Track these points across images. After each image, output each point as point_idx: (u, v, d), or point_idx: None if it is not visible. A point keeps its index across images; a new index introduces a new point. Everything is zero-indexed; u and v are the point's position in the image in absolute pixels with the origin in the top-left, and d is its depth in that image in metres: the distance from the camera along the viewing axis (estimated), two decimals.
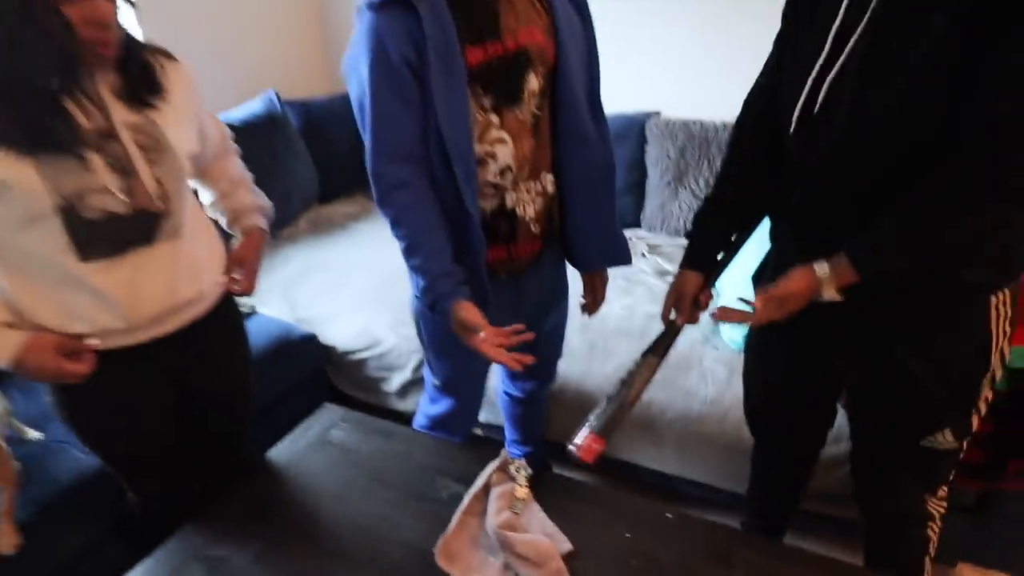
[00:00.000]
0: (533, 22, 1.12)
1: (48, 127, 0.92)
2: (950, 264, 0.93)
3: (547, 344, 1.50)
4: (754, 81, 1.13)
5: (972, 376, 1.03)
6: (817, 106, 0.94)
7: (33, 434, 1.48)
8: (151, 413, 1.19)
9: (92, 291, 1.01)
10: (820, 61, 0.93)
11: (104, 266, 1.01)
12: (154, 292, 1.07)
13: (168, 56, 1.11)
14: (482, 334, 1.07)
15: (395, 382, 1.98)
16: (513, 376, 1.59)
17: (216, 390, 1.29)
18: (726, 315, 1.07)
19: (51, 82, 0.92)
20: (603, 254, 1.34)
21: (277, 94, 2.51)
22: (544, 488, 1.21)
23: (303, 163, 2.54)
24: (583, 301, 1.43)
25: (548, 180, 1.24)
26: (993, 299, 0.97)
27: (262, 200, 1.35)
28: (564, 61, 1.15)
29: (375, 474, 1.28)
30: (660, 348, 1.14)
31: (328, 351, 2.05)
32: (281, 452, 1.35)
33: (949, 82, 0.82)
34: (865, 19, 0.88)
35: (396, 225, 1.13)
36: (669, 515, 1.17)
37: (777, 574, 0.99)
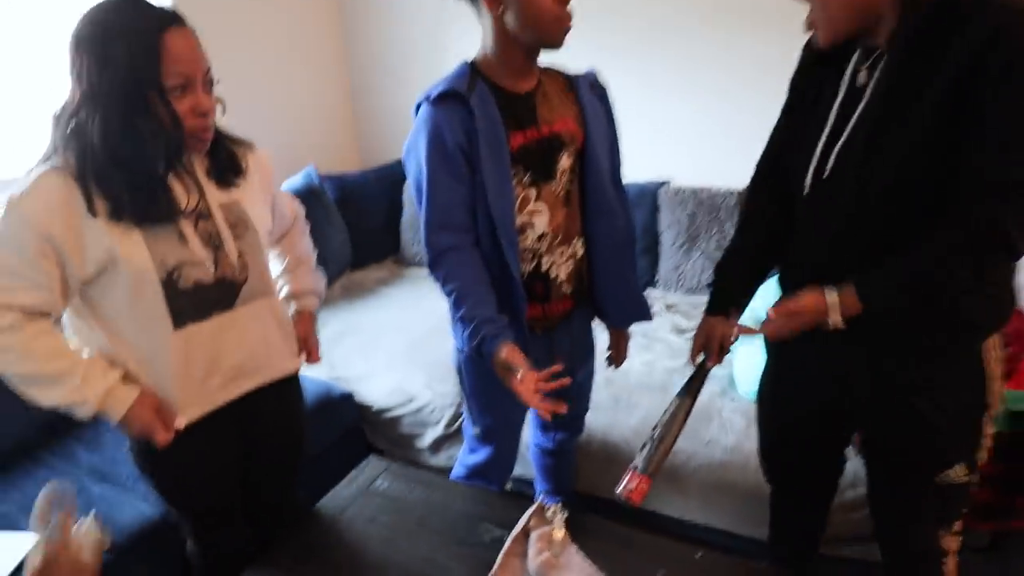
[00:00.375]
0: (565, 112, 1.30)
1: (156, 203, 1.05)
2: (946, 305, 1.02)
3: (577, 397, 1.61)
4: (764, 147, 1.27)
5: (975, 412, 1.11)
6: (827, 173, 1.06)
7: None
8: (222, 468, 1.28)
9: (180, 353, 1.12)
10: (826, 133, 1.06)
11: (192, 330, 1.12)
12: (235, 349, 1.19)
13: (247, 143, 1.27)
14: (520, 374, 1.15)
15: (428, 437, 2.07)
16: (544, 428, 1.68)
17: (276, 448, 1.38)
18: (743, 330, 1.18)
19: (160, 165, 1.04)
20: (627, 312, 1.47)
21: (316, 169, 2.72)
22: (580, 532, 1.28)
23: (338, 231, 2.72)
24: (609, 354, 1.55)
25: (578, 245, 1.38)
26: (989, 344, 1.07)
27: (319, 284, 1.46)
28: (591, 144, 1.32)
29: (420, 520, 1.36)
30: (692, 389, 1.23)
31: (364, 409, 2.15)
32: (330, 501, 1.43)
33: (942, 152, 0.94)
34: (864, 100, 1.01)
35: (445, 282, 1.26)
36: (698, 556, 1.25)
37: None
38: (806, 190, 1.11)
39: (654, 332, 2.23)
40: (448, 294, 1.26)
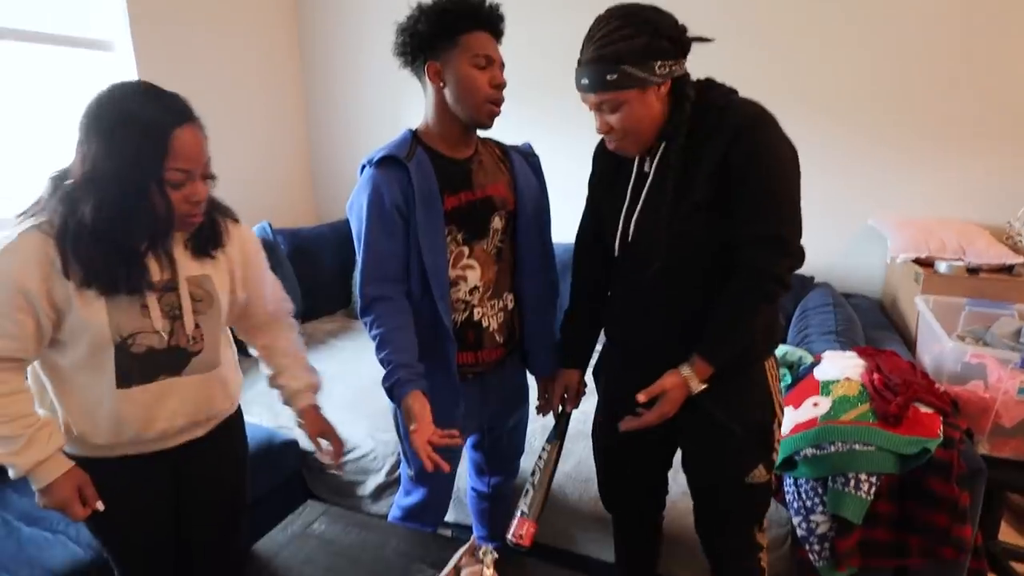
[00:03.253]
0: (498, 178, 1.45)
1: (128, 278, 1.09)
2: (755, 332, 1.26)
3: (510, 440, 1.70)
4: (580, 220, 1.49)
5: (766, 420, 1.33)
6: (630, 237, 1.30)
7: None
8: (152, 504, 1.30)
9: (118, 410, 1.16)
10: (625, 207, 1.30)
11: (135, 391, 1.16)
12: (175, 410, 1.22)
13: (232, 215, 1.31)
14: (413, 426, 1.27)
15: (370, 485, 2.11)
16: (479, 472, 1.76)
17: (214, 491, 1.39)
18: (627, 424, 1.32)
19: (142, 244, 1.10)
20: (550, 361, 1.58)
21: (270, 224, 2.81)
22: (511, 571, 1.36)
23: (290, 284, 2.77)
24: (539, 404, 1.65)
25: (508, 298, 1.50)
26: (767, 364, 1.34)
27: (315, 378, 1.47)
28: (521, 208, 1.46)
29: (355, 561, 1.41)
30: (559, 434, 1.46)
31: (306, 456, 2.19)
32: (266, 544, 1.47)
33: (713, 216, 1.19)
34: (649, 181, 1.26)
35: (372, 327, 1.35)
36: None
37: None
38: (616, 252, 1.34)
39: (589, 384, 2.33)
40: (373, 338, 1.35)
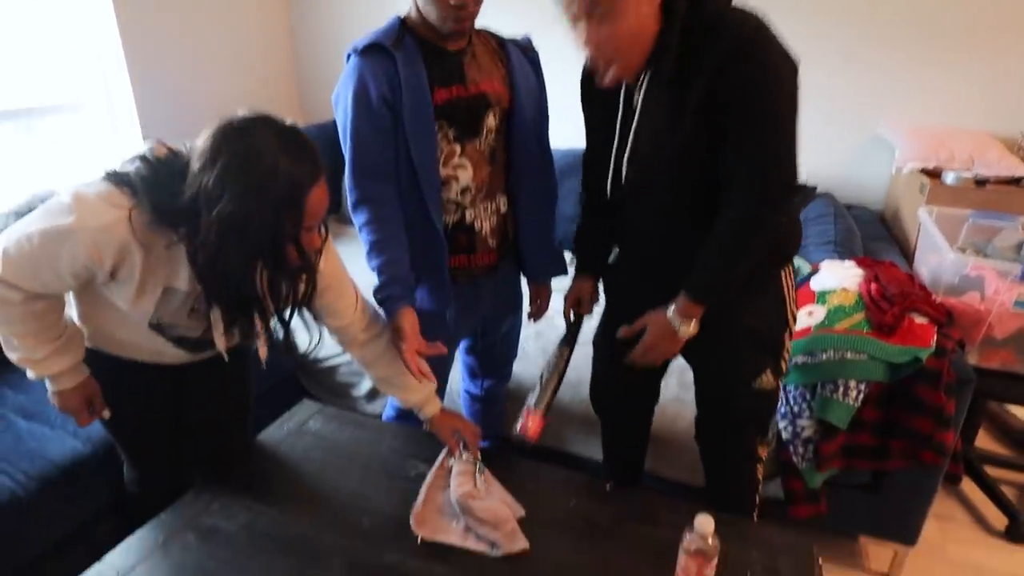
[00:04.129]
0: (493, 74, 1.36)
1: (236, 322, 1.10)
2: (752, 267, 1.19)
3: (503, 346, 1.70)
4: (583, 151, 1.40)
5: (779, 328, 1.31)
6: (623, 179, 1.24)
7: None
8: (159, 405, 1.34)
9: (135, 342, 1.19)
10: (615, 147, 1.24)
11: (157, 338, 1.17)
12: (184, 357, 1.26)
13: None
14: (404, 345, 1.28)
15: (364, 386, 2.14)
16: (472, 374, 1.77)
17: (219, 401, 1.42)
18: (627, 332, 1.30)
19: (263, 301, 1.06)
20: (545, 266, 1.55)
21: None
22: (501, 468, 1.39)
23: None
24: (531, 309, 1.64)
25: (502, 201, 1.45)
26: (782, 273, 1.29)
27: (431, 387, 1.39)
28: (517, 106, 1.38)
29: (350, 457, 1.45)
30: (570, 338, 1.46)
31: (303, 358, 2.20)
32: (264, 439, 1.50)
33: (708, 146, 1.10)
34: (636, 116, 1.17)
35: (363, 229, 1.32)
36: (608, 487, 1.37)
37: None
38: (609, 195, 1.29)
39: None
40: (365, 242, 1.32)
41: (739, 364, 1.32)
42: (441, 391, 1.64)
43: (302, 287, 1.10)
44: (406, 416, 1.63)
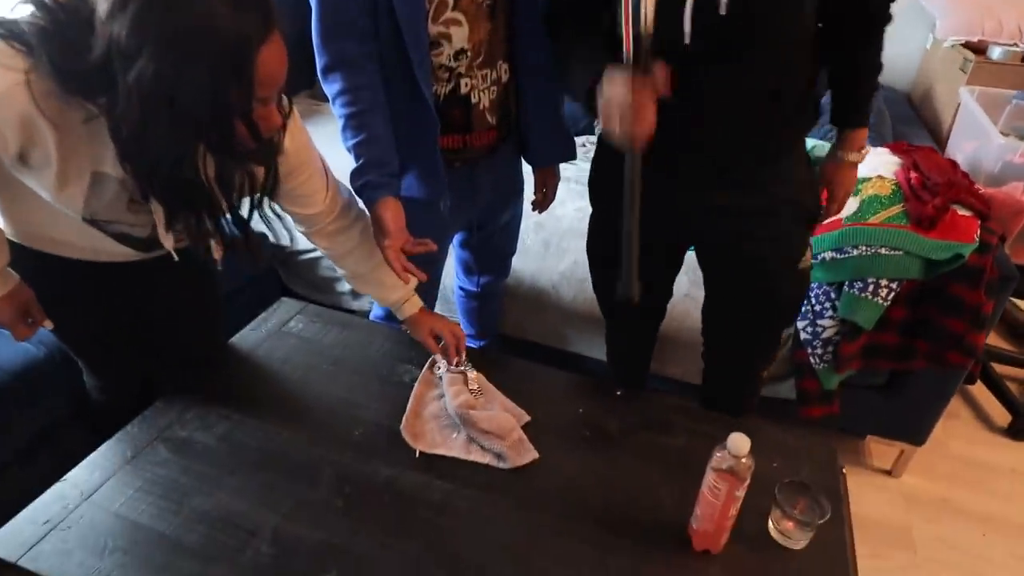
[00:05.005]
0: None
1: (179, 217, 0.87)
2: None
3: (502, 237, 1.54)
4: None
5: (814, 201, 1.19)
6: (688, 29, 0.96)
7: None
8: (114, 307, 1.19)
9: (64, 236, 1.02)
10: None
11: (95, 232, 0.99)
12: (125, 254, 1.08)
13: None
14: (386, 241, 1.11)
15: None
16: (467, 271, 1.62)
17: (186, 290, 1.26)
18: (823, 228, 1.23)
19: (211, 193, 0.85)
20: (552, 149, 1.36)
21: None
22: (503, 373, 1.28)
23: None
24: (535, 198, 1.46)
25: (504, 69, 1.23)
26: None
27: (408, 284, 1.23)
28: None
29: (336, 361, 1.32)
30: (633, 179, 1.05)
31: (279, 250, 2.04)
32: (240, 342, 1.36)
33: None
34: None
35: (336, 102, 1.11)
36: (619, 392, 1.27)
37: (708, 436, 1.08)
38: (686, 43, 0.97)
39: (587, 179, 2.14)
40: (339, 117, 1.12)
41: (788, 241, 1.18)
42: (433, 290, 1.49)
43: (261, 176, 0.91)
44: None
